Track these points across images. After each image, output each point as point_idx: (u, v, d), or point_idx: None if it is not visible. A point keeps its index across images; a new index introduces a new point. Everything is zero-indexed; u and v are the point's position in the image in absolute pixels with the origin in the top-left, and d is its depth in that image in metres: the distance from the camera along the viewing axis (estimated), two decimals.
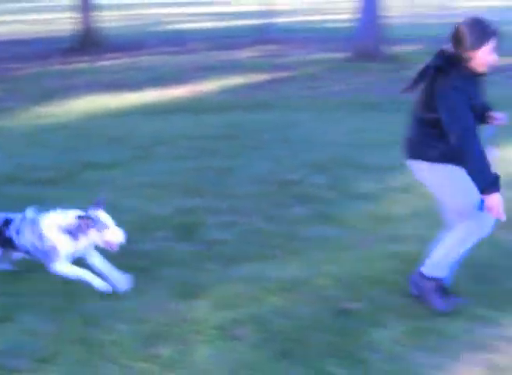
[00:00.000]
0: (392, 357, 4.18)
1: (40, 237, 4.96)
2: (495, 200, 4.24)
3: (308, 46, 21.86)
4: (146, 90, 14.90)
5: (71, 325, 4.58)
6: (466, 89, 4.33)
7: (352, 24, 18.99)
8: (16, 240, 5.05)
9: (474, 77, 4.44)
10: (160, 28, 29.91)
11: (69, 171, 8.43)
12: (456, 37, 4.35)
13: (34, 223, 5.01)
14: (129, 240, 5.06)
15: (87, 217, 4.90)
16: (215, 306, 4.81)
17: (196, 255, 5.75)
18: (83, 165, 8.68)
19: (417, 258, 4.98)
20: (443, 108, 4.32)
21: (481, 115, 4.61)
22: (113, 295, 4.95)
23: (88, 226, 4.90)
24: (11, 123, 12.17)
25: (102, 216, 4.96)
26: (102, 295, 4.93)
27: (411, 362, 4.14)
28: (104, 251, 5.10)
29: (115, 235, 4.93)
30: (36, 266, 5.20)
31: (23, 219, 5.09)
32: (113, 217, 5.02)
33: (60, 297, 4.98)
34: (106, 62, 19.62)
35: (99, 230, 4.91)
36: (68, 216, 4.97)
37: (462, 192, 4.48)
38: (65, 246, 4.94)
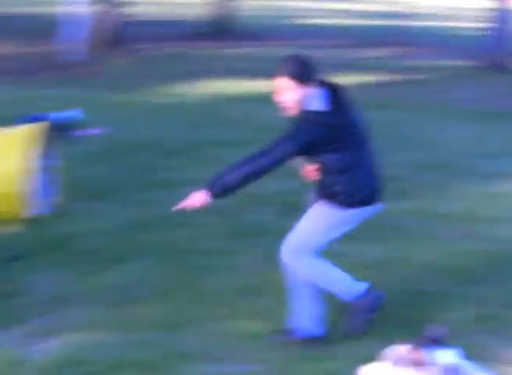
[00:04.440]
0: (458, 335, 4.67)
1: None
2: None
3: (439, 51, 22.07)
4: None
5: (181, 271, 5.39)
6: None
7: (484, 33, 19.18)
8: None
9: None
10: (295, 21, 30.47)
11: (194, 145, 9.28)
12: None
13: None
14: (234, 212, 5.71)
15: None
16: None
17: None
18: (208, 141, 9.52)
19: (499, 258, 5.46)
20: None
21: None
22: (222, 253, 5.77)
23: None
24: (143, 98, 13.16)
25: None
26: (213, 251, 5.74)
27: (475, 341, 4.61)
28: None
29: None
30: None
31: None
32: None
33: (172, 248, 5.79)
34: (240, 50, 20.45)
35: None
36: None
37: None
38: None
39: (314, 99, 4.33)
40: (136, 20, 21.37)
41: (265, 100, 13.21)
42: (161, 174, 7.95)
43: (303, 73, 4.34)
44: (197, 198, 4.33)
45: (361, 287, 4.67)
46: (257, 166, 4.31)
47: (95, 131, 9.40)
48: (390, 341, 4.04)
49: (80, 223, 6.36)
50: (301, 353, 4.36)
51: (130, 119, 10.87)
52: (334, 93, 4.41)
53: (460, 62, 19.41)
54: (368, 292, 4.67)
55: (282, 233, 6.24)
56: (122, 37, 19.34)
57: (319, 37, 24.40)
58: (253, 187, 6.98)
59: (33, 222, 6.26)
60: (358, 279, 4.73)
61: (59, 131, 7.63)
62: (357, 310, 4.66)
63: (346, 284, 4.68)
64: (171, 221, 6.22)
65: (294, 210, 6.75)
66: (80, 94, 13.17)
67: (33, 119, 7.05)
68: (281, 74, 4.33)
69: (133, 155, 8.55)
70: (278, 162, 4.30)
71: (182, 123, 10.77)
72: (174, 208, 4.42)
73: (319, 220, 4.58)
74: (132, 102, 12.61)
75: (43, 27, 20.61)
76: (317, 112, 4.32)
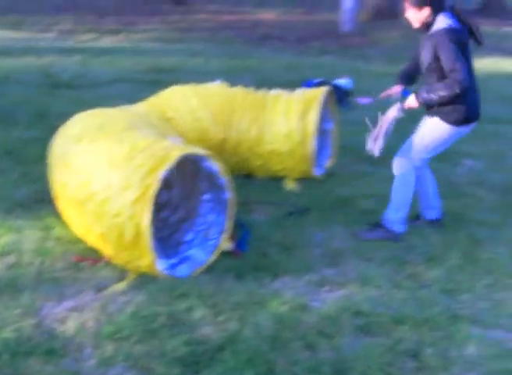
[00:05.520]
0: None
1: None
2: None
3: None
4: None
5: (458, 239, 5.48)
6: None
7: None
8: None
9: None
10: None
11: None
12: None
13: None
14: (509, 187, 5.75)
15: None
16: None
17: None
18: (485, 117, 9.39)
19: None
20: None
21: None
22: (498, 225, 5.81)
23: None
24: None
25: None
26: (489, 223, 5.82)
27: None
28: None
29: None
30: None
31: None
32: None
33: (448, 217, 5.87)
34: (507, 28, 19.90)
35: None
36: None
37: None
38: None
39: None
40: None
41: None
42: None
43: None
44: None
45: (402, 228, 5.47)
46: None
47: (368, 100, 9.65)
48: None
49: (354, 186, 6.60)
50: None
51: None
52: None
53: None
54: (399, 235, 5.44)
55: None
56: (394, 9, 19.51)
57: None
58: None
59: (311, 181, 6.61)
60: None
61: (338, 97, 7.94)
62: (380, 231, 5.48)
63: (400, 215, 5.44)
64: (446, 191, 6.28)
65: None
66: (352, 63, 13.51)
67: (317, 84, 7.40)
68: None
69: (405, 124, 8.65)
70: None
71: None
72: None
73: (432, 136, 5.27)
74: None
75: None
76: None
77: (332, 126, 7.12)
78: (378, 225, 5.53)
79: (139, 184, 4.31)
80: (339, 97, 8.45)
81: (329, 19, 19.25)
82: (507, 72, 13.64)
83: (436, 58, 5.02)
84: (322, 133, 7.00)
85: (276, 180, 6.61)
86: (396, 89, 5.55)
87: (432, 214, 5.72)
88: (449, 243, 5.41)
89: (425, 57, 5.13)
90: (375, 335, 4.09)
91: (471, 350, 3.99)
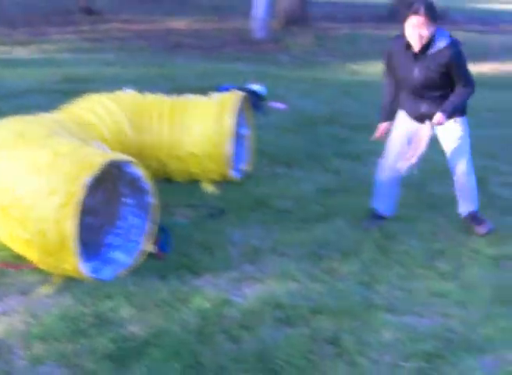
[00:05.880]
0: None
1: None
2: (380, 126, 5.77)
3: None
4: None
5: (372, 233, 5.73)
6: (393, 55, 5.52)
7: None
8: None
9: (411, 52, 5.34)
10: (467, 5, 30.08)
11: (374, 121, 9.54)
12: None
13: None
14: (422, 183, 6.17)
15: None
16: (489, 242, 5.70)
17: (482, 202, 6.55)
18: None
19: None
20: None
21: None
22: (410, 219, 6.08)
23: None
24: (326, 75, 13.56)
25: None
26: (402, 217, 6.07)
27: None
28: None
29: None
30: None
31: None
32: None
33: (362, 212, 6.12)
34: None
35: None
36: None
37: None
38: None
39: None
40: (318, 2, 21.87)
41: None
42: (348, 146, 8.30)
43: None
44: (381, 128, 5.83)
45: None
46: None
47: (282, 105, 9.92)
48: None
49: (270, 188, 6.79)
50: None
51: (313, 95, 11.30)
52: None
53: None
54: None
55: None
56: (306, 16, 19.91)
57: (499, 22, 24.07)
58: (441, 162, 7.26)
59: (228, 183, 6.79)
60: None
61: (253, 102, 8.15)
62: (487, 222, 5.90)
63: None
64: (360, 189, 6.56)
65: (481, 185, 6.99)
66: (264, 69, 13.74)
67: (232, 89, 7.57)
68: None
69: (319, 127, 8.94)
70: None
71: (364, 100, 11.07)
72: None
73: (466, 132, 5.64)
74: (314, 78, 13.04)
75: (233, 5, 21.46)
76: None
77: (247, 132, 7.30)
78: (482, 219, 5.88)
79: (64, 190, 4.39)
80: (254, 102, 8.65)
81: (242, 27, 19.51)
82: None
83: (444, 74, 5.30)
84: (239, 137, 7.17)
85: (195, 183, 6.76)
86: (386, 126, 5.81)
87: (386, 210, 6.00)
88: (364, 237, 5.65)
89: (426, 76, 5.33)
90: (295, 326, 4.27)
91: (386, 335, 4.21)
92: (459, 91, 5.36)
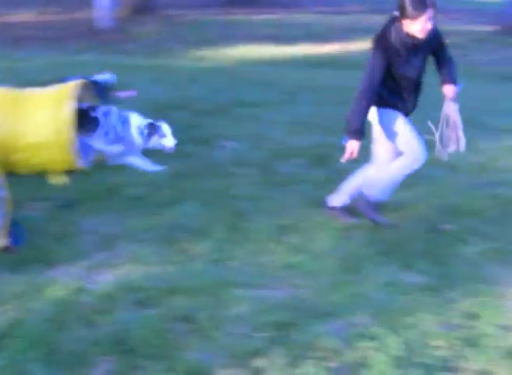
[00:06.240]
0: (471, 263, 5.20)
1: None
2: (350, 145, 5.27)
3: (460, 17, 22.31)
4: (297, 44, 16.11)
5: (222, 213, 5.88)
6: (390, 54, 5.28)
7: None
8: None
9: (412, 46, 5.26)
10: None
11: (224, 106, 9.78)
12: (400, 6, 5.16)
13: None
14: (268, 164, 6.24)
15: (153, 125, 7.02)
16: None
17: (326, 178, 6.84)
18: (236, 102, 10.04)
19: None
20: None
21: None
22: (259, 198, 6.28)
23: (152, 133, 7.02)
24: (173, 62, 13.64)
25: (164, 126, 7.09)
26: (250, 197, 6.26)
27: (487, 270, 5.13)
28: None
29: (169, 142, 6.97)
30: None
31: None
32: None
33: (212, 194, 6.27)
34: (262, 17, 20.85)
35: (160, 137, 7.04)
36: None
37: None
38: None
39: None
40: None
41: (291, 63, 13.84)
42: (197, 131, 8.40)
43: None
44: (353, 147, 5.28)
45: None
46: None
47: (132, 93, 9.93)
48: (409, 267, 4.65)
49: (124, 175, 6.81)
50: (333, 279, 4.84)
51: (162, 82, 11.36)
52: None
53: (480, 28, 19.71)
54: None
55: (315, 181, 6.77)
56: (152, 4, 19.86)
57: (343, 3, 24.81)
58: (285, 142, 7.50)
59: (77, 173, 6.75)
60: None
61: (98, 92, 8.13)
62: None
63: None
64: (210, 172, 6.71)
65: (324, 162, 7.28)
66: (112, 59, 13.66)
67: (76, 80, 7.52)
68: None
69: (170, 113, 9.00)
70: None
71: (213, 86, 11.25)
72: (342, 160, 5.34)
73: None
74: (162, 66, 13.09)
75: None
76: None
77: None
78: None
79: None
80: (100, 92, 8.61)
81: (86, 17, 19.21)
82: (262, 58, 14.41)
83: (428, 58, 5.48)
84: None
85: (41, 175, 6.66)
86: (357, 147, 5.36)
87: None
88: (215, 218, 5.80)
89: (421, 64, 5.46)
90: (150, 307, 4.36)
91: (239, 309, 4.38)
92: (450, 62, 5.60)
